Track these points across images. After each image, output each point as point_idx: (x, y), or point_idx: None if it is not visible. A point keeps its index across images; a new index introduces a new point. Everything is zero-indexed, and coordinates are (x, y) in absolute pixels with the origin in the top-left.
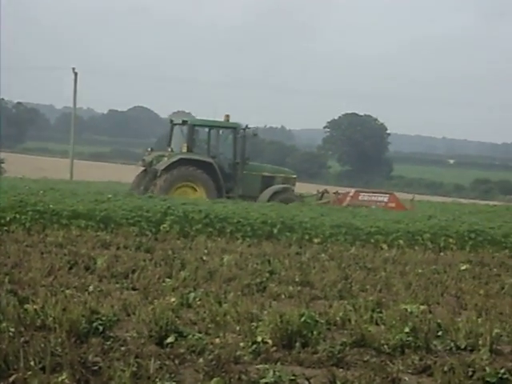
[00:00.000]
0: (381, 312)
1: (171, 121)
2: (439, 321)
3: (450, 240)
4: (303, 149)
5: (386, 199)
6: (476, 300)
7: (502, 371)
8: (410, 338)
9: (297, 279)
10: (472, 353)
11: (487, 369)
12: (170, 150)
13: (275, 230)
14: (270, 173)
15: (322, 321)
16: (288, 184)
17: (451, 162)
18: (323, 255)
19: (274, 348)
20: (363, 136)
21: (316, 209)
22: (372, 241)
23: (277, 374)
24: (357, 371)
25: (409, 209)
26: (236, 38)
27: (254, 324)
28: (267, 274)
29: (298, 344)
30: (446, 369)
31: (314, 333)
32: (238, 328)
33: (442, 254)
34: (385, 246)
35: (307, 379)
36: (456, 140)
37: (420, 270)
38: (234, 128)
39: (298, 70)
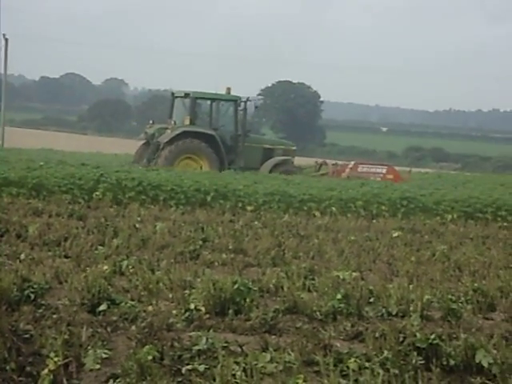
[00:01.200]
0: (313, 279)
1: (172, 93)
2: (371, 287)
3: (383, 207)
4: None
5: (384, 171)
6: (407, 267)
7: (433, 337)
8: (342, 305)
9: (230, 247)
10: (403, 319)
11: (418, 334)
12: (172, 122)
13: (209, 198)
14: (270, 145)
15: (255, 288)
16: (288, 156)
17: (384, 129)
18: (256, 223)
19: (207, 315)
20: (297, 104)
21: (250, 176)
22: (305, 208)
23: (209, 341)
24: (289, 338)
25: (406, 180)
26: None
27: (187, 291)
28: (200, 242)
29: (230, 311)
30: (377, 335)
31: (247, 300)
32: (170, 295)
33: (374, 221)
34: (318, 214)
35: (240, 346)
36: (389, 108)
37: (352, 237)
38: (235, 100)
39: (230, 36)
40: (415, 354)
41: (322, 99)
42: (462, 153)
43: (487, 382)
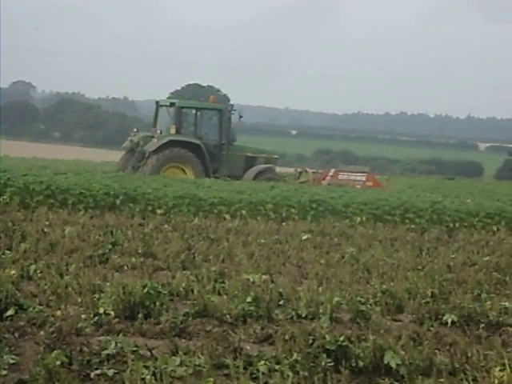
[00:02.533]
0: (223, 282)
1: (157, 102)
2: (281, 290)
3: (292, 210)
4: (147, 120)
5: (363, 178)
6: (317, 269)
7: (342, 339)
8: (252, 308)
9: (140, 250)
10: (313, 321)
11: (327, 337)
12: (158, 131)
13: (118, 201)
14: (252, 153)
15: (165, 292)
16: (270, 164)
17: (294, 132)
18: (166, 226)
19: (117, 319)
20: None
21: (159, 180)
22: (215, 211)
23: (119, 345)
24: (199, 341)
25: (385, 187)
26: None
27: (97, 296)
28: (110, 246)
29: (140, 315)
30: (287, 337)
31: (157, 304)
32: (79, 300)
33: (284, 223)
34: (228, 217)
35: (149, 350)
36: (298, 111)
37: (262, 240)
38: (220, 110)
39: (140, 39)
40: (324, 355)
41: (231, 102)
42: (370, 155)
43: (395, 382)
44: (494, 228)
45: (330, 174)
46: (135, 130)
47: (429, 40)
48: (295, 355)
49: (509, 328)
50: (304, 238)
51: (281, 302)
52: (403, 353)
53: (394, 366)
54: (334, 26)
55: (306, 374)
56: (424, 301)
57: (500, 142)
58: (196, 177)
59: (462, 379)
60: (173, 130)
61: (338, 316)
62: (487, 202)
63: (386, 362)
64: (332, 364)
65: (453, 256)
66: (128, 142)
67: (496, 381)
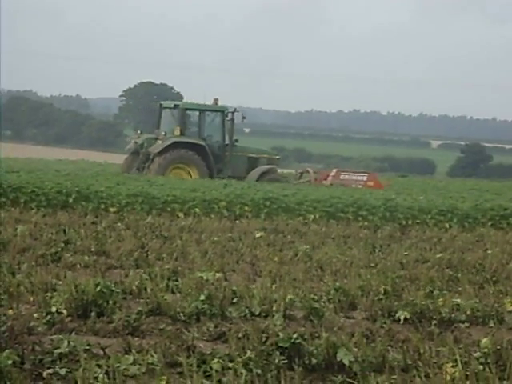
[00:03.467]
0: (177, 280)
1: (160, 104)
2: (234, 288)
3: (246, 208)
4: (99, 118)
5: (365, 178)
6: (270, 267)
7: (295, 336)
8: (206, 306)
9: (92, 249)
10: (266, 319)
11: (280, 334)
12: (163, 133)
13: (70, 200)
14: (255, 154)
15: (118, 290)
16: (272, 164)
17: (247, 130)
18: (119, 224)
19: (69, 318)
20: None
21: (112, 178)
22: (168, 209)
23: (71, 343)
24: (152, 339)
25: (386, 186)
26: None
27: (49, 294)
28: (62, 244)
29: (93, 314)
30: (240, 335)
31: (110, 302)
32: (32, 299)
33: (237, 221)
34: (181, 215)
35: (102, 348)
36: (252, 109)
37: (216, 238)
38: (223, 111)
39: (91, 37)
40: (278, 353)
41: (185, 100)
42: (323, 153)
43: (348, 379)
44: (447, 225)
45: (332, 174)
46: (139, 131)
47: (380, 38)
48: (248, 353)
49: (461, 324)
50: (257, 235)
51: (234, 300)
52: (356, 350)
53: (346, 363)
54: (291, 23)
55: (260, 371)
56: (377, 298)
57: (452, 139)
58: (200, 177)
59: (414, 375)
60: (177, 132)
61: (292, 313)
62: (439, 199)
63: (338, 359)
64: (285, 361)
65: (405, 253)
66: (132, 144)
67: (448, 377)
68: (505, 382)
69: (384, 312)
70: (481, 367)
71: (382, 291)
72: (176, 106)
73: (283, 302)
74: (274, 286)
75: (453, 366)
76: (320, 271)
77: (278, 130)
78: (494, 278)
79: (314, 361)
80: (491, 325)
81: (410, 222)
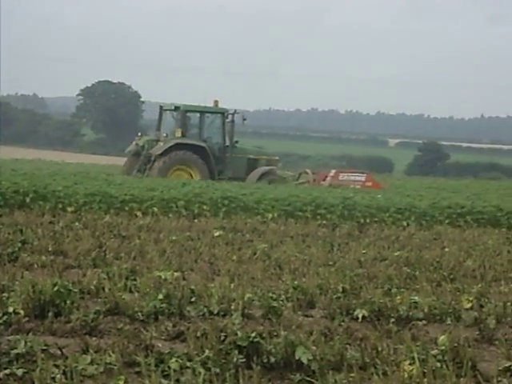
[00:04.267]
0: (135, 279)
1: (161, 106)
2: (193, 287)
3: (204, 207)
4: (56, 117)
5: (363, 178)
6: (229, 266)
7: (253, 335)
8: (164, 305)
9: (50, 248)
10: (224, 318)
11: (239, 333)
12: (164, 135)
13: (28, 199)
14: (254, 155)
15: (76, 290)
16: (271, 165)
17: None
18: (77, 224)
19: (26, 318)
20: (117, 104)
21: (70, 177)
22: (126, 209)
23: (28, 344)
24: (110, 339)
25: (384, 187)
26: None
27: (6, 295)
28: (19, 244)
29: (50, 314)
30: (198, 334)
31: (67, 302)
32: None
33: (196, 220)
34: (139, 214)
35: (60, 349)
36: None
37: (174, 237)
38: (223, 113)
39: (48, 36)
40: (236, 352)
41: (142, 99)
42: (282, 152)
43: (306, 378)
44: (404, 223)
45: (331, 174)
46: (139, 133)
47: (339, 37)
48: (207, 352)
49: (418, 322)
50: (216, 234)
51: (193, 299)
52: (314, 348)
53: (305, 361)
54: (249, 25)
55: (218, 370)
56: (335, 296)
57: (409, 137)
58: (202, 179)
59: (372, 373)
60: (178, 134)
61: (250, 312)
62: (397, 198)
63: (297, 358)
64: (244, 360)
65: (364, 251)
66: (133, 146)
67: (406, 374)
68: (462, 379)
69: (342, 310)
70: (438, 364)
71: (341, 289)
72: (177, 108)
73: (242, 301)
74: (232, 285)
75: (410, 364)
76: (278, 270)
77: (237, 129)
78: (452, 276)
79: (272, 359)
80: (448, 322)
81: (368, 221)
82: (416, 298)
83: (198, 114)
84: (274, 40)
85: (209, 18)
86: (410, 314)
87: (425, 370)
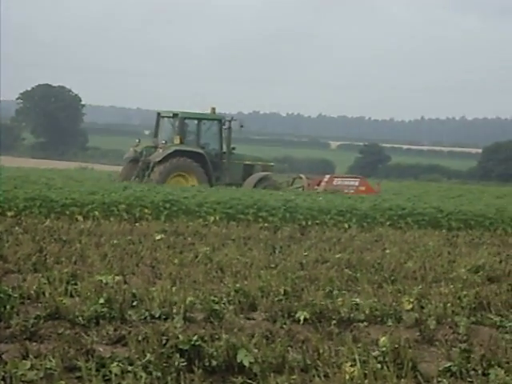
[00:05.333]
0: (76, 284)
1: (158, 113)
2: (134, 291)
3: (146, 210)
4: None
5: (357, 183)
6: (171, 269)
7: (195, 338)
8: (105, 309)
9: None
10: (166, 321)
11: (180, 336)
12: (163, 142)
13: None
14: (250, 161)
15: (16, 295)
16: (267, 171)
17: (147, 132)
18: (17, 228)
19: None
20: (57, 107)
21: (9, 182)
22: (67, 213)
23: None
24: (50, 344)
25: (377, 191)
26: None
27: None
28: None
29: None
30: (140, 338)
31: (7, 307)
32: None
33: (137, 224)
34: (80, 218)
35: None
36: (151, 111)
37: (115, 241)
38: (220, 120)
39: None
40: (178, 355)
41: (83, 103)
42: None
43: (248, 381)
44: (346, 225)
45: (325, 179)
46: (137, 140)
47: (280, 40)
48: (148, 356)
49: (360, 324)
50: (157, 238)
51: (134, 303)
52: (256, 351)
53: (246, 364)
54: (185, 29)
55: (159, 374)
56: (277, 299)
57: (351, 140)
58: (200, 185)
59: (313, 375)
60: (177, 140)
61: (192, 315)
62: (338, 200)
63: (239, 361)
64: (185, 364)
65: (305, 253)
66: (132, 152)
67: (347, 376)
68: (402, 379)
69: (284, 312)
70: (379, 366)
71: (282, 292)
72: (175, 115)
73: (183, 305)
74: (174, 289)
75: (352, 366)
76: (220, 273)
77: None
78: (392, 278)
79: (214, 362)
80: (389, 324)
81: (309, 223)
82: (357, 299)
83: (196, 121)
84: (213, 43)
85: (143, 22)
86: (352, 315)
87: (366, 372)
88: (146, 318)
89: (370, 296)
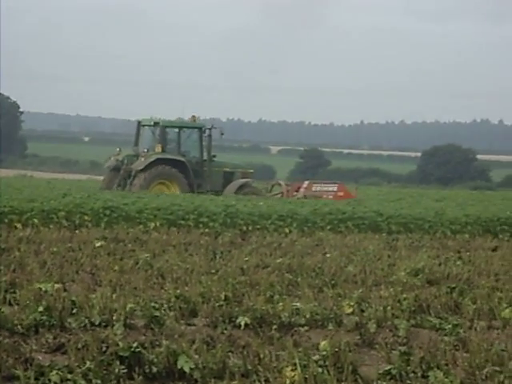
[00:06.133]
0: (14, 292)
1: (139, 122)
2: (74, 298)
3: (86, 217)
4: None
5: (335, 189)
6: (111, 276)
7: (135, 345)
8: (45, 317)
9: None
10: (106, 328)
11: (120, 343)
12: (145, 150)
13: None
14: (230, 168)
15: None
16: (246, 178)
17: (86, 139)
18: None
19: None
20: None
21: None
22: (6, 220)
23: None
24: None
25: (354, 196)
26: None
27: None
28: None
29: None
30: (79, 346)
31: None
32: None
33: (77, 231)
34: (19, 226)
35: None
36: (90, 117)
37: (55, 249)
38: (200, 128)
39: None
40: (118, 363)
41: (21, 110)
42: None
43: None
44: (287, 230)
45: (304, 185)
46: (118, 149)
47: (219, 44)
48: (88, 363)
49: (300, 328)
50: (97, 245)
51: (74, 311)
52: (197, 357)
53: (187, 370)
54: (128, 30)
55: (99, 382)
56: (218, 304)
57: (291, 145)
58: (181, 192)
59: (254, 381)
60: (158, 149)
61: (132, 322)
62: (279, 205)
63: (179, 367)
64: (125, 371)
65: (246, 259)
66: (113, 161)
67: (288, 381)
68: (342, 383)
69: (225, 318)
70: (319, 370)
71: (223, 297)
72: (156, 124)
73: (123, 311)
74: (114, 296)
75: (292, 370)
76: (161, 279)
77: (119, 138)
78: (333, 282)
79: (154, 369)
80: (330, 327)
81: (250, 228)
82: (298, 304)
83: (176, 129)
84: (148, 48)
85: (83, 28)
86: (292, 320)
87: (306, 376)
88: (85, 325)
89: (310, 300)
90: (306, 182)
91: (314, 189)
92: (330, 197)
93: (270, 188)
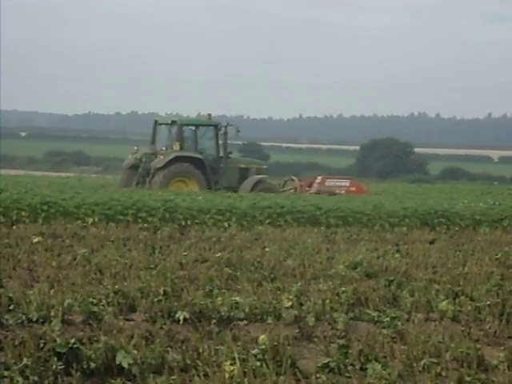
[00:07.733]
0: None
1: (156, 120)
2: (11, 294)
3: (23, 213)
4: None
5: (347, 184)
6: (49, 272)
7: (73, 341)
8: None
9: None
10: (44, 325)
11: (58, 340)
12: (164, 148)
13: None
14: (245, 165)
15: None
16: (261, 174)
17: (23, 134)
18: None
19: None
20: None
21: None
22: None
23: None
24: None
25: (366, 192)
26: None
27: None
28: None
29: None
30: (16, 342)
31: None
32: None
33: (14, 227)
34: None
35: None
36: (27, 112)
37: None
38: (216, 125)
39: None
40: (55, 359)
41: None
42: (102, 156)
43: (127, 382)
44: (226, 224)
45: (318, 181)
46: (135, 147)
47: (166, 39)
48: (25, 360)
49: (239, 322)
50: (35, 240)
51: (11, 307)
52: (135, 352)
53: (125, 365)
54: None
55: (36, 378)
56: (156, 299)
57: (230, 139)
58: (200, 189)
59: (193, 375)
60: (176, 147)
61: (70, 318)
62: (218, 199)
63: (118, 362)
64: (63, 367)
65: (185, 253)
66: (131, 159)
67: (227, 375)
68: (281, 377)
69: (163, 313)
70: (258, 364)
71: (162, 292)
72: (173, 122)
73: (61, 307)
74: (51, 291)
75: (231, 364)
76: (99, 274)
77: (56, 133)
78: (272, 275)
79: (92, 365)
80: (269, 321)
81: (189, 223)
82: (237, 298)
83: (193, 127)
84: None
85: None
86: (231, 314)
87: (245, 370)
88: (22, 321)
89: (249, 294)
90: (320, 177)
91: (327, 184)
92: (343, 192)
93: (282, 184)
